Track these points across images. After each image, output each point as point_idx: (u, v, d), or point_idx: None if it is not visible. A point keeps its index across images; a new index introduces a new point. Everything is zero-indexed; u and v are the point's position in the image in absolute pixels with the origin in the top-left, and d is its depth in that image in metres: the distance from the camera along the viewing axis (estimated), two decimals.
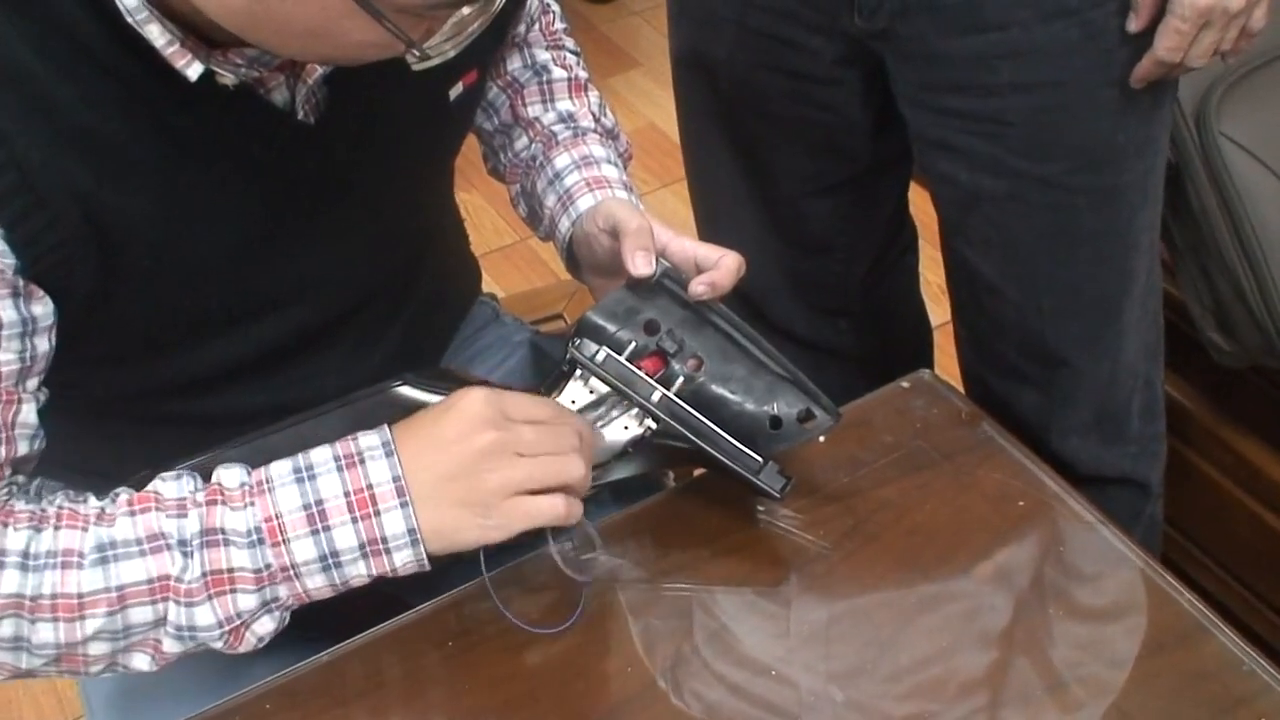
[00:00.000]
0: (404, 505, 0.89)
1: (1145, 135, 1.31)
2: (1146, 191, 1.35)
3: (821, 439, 1.06)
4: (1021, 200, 1.32)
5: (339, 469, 0.90)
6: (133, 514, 0.88)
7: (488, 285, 1.36)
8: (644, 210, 1.08)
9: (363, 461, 0.90)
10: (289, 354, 1.05)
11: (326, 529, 0.89)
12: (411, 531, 0.89)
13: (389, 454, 0.90)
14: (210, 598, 0.88)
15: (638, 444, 1.02)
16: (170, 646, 0.89)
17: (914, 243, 1.68)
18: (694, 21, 1.45)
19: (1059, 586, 1.01)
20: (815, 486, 1.08)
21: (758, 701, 0.94)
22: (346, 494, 0.89)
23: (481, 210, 2.65)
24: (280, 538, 0.88)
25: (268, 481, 0.89)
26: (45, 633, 0.86)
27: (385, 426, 0.92)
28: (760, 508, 1.07)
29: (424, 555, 0.90)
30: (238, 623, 0.89)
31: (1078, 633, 0.98)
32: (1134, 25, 1.21)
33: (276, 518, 0.88)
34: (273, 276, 1.00)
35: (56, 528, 0.87)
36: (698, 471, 1.09)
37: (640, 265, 1.01)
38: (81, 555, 0.86)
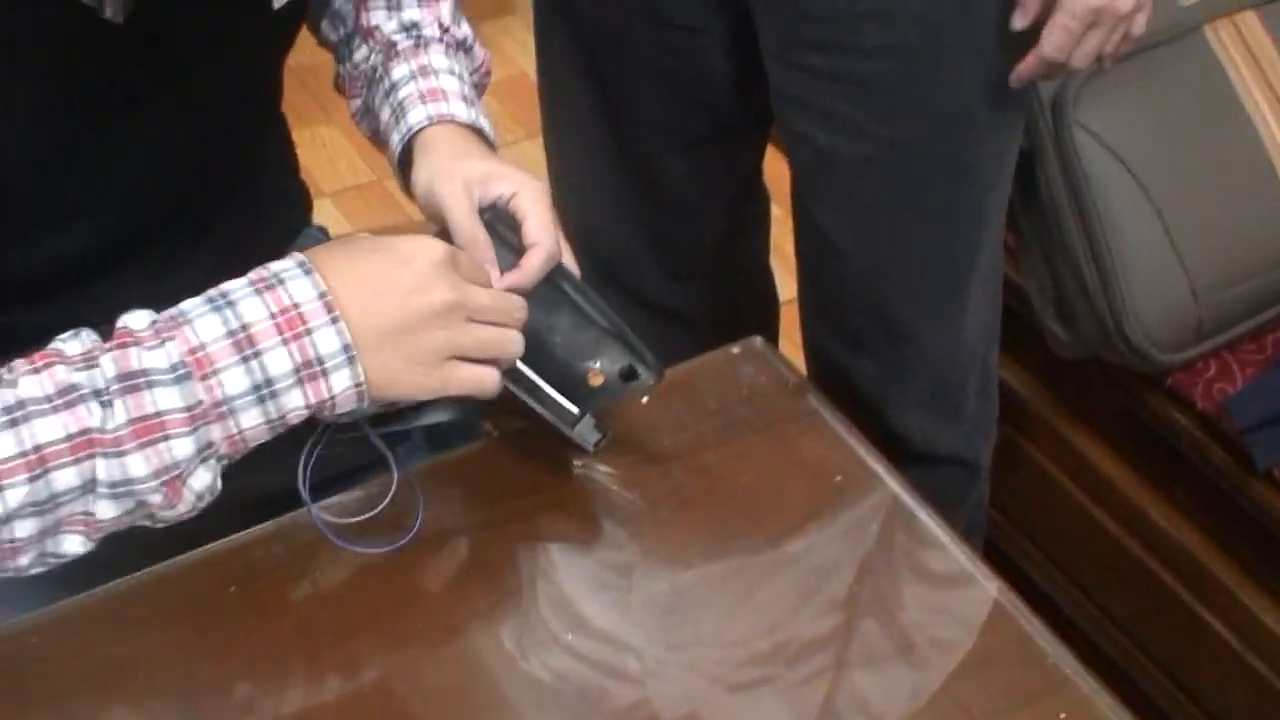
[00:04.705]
0: (334, 321, 0.84)
1: (1005, 113, 1.31)
2: (1000, 170, 1.35)
3: (645, 400, 1.04)
4: (876, 166, 1.31)
5: (256, 292, 0.84)
6: (36, 371, 0.81)
7: (339, 223, 1.31)
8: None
9: (281, 283, 0.84)
10: (90, 269, 1.00)
11: (256, 354, 0.82)
12: (347, 348, 0.84)
13: (307, 272, 0.84)
14: (141, 446, 0.81)
15: None
16: (105, 510, 0.82)
17: (767, 209, 1.66)
18: None
19: (867, 563, 1.00)
20: (636, 447, 1.05)
21: (599, 666, 0.93)
22: (272, 315, 0.83)
23: (338, 145, 2.56)
24: (209, 368, 0.82)
25: (181, 314, 0.83)
26: None
27: (294, 252, 0.86)
28: (578, 463, 1.04)
29: (362, 378, 0.85)
30: (175, 474, 0.82)
31: (888, 608, 0.97)
32: (1019, 22, 1.20)
33: (201, 348, 0.82)
34: (73, 183, 0.94)
35: None
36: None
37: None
38: None
